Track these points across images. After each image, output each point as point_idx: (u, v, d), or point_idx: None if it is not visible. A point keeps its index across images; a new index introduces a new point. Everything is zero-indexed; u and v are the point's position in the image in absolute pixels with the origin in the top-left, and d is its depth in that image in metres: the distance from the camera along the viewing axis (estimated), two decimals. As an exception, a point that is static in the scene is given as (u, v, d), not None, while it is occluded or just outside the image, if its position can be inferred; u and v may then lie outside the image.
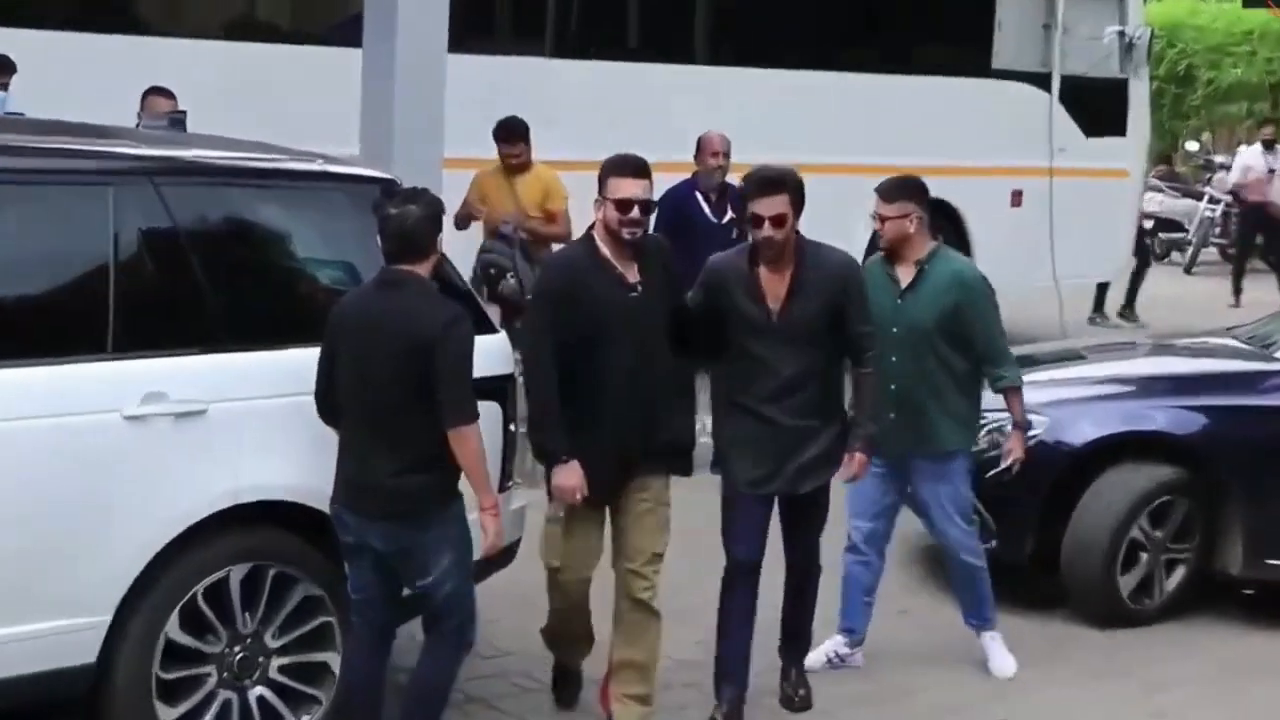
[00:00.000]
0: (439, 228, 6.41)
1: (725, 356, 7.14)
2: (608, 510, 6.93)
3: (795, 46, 15.14)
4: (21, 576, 6.03)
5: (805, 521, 7.28)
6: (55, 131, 7.28)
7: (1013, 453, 8.07)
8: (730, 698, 7.12)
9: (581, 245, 6.91)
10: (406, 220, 6.29)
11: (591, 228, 6.86)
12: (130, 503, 6.20)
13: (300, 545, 6.51)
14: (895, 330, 7.65)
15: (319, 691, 6.64)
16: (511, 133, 11.71)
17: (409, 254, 6.32)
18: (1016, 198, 16.26)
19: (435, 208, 6.39)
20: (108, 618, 6.18)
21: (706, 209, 11.75)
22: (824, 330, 7.00)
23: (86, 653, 6.17)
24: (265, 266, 6.94)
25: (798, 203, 6.99)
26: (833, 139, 14.56)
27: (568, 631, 7.16)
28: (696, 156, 11.90)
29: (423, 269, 6.35)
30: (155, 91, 10.37)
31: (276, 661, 6.55)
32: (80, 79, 10.88)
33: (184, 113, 9.23)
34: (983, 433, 8.55)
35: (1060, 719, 7.83)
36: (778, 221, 6.90)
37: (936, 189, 14.84)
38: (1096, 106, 16.70)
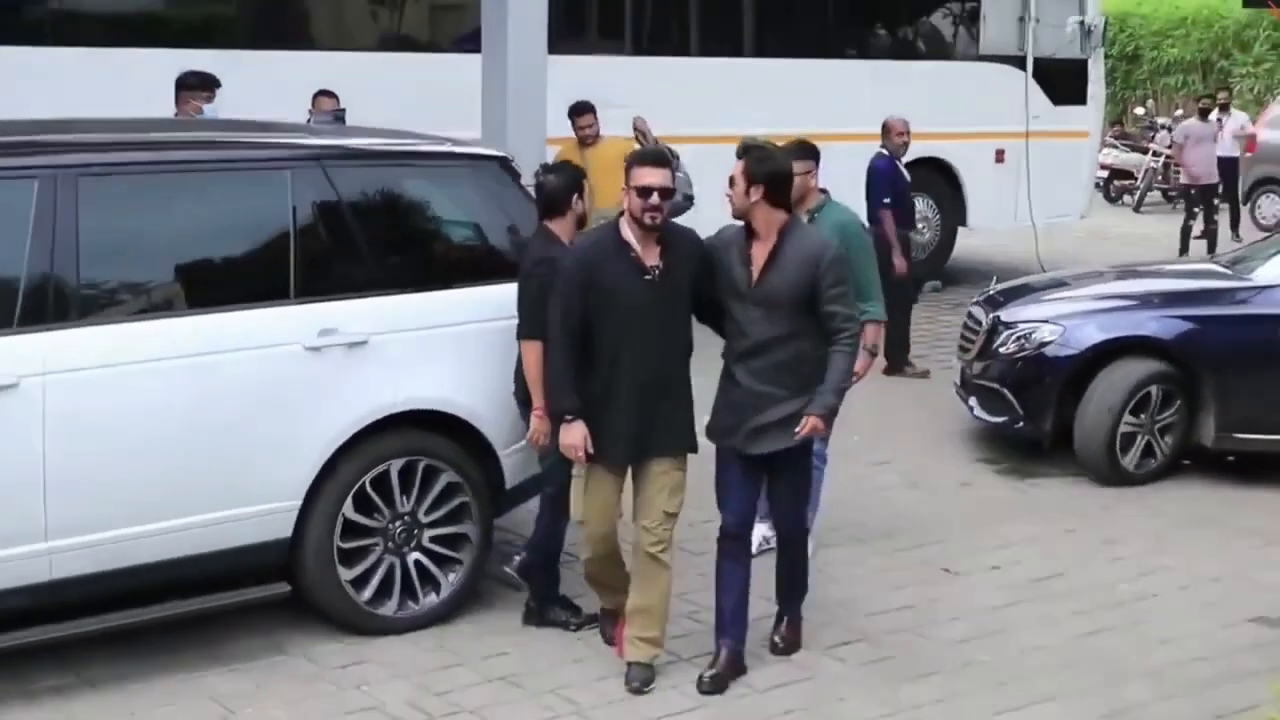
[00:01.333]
0: (573, 192, 6.56)
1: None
2: (630, 472, 6.17)
3: (823, 40, 15.19)
4: (239, 472, 6.15)
5: (780, 485, 6.27)
6: (246, 129, 7.35)
7: (859, 375, 6.98)
8: (726, 648, 6.21)
9: (608, 228, 6.09)
10: (546, 187, 6.55)
11: (621, 215, 6.06)
12: (312, 415, 6.27)
13: (444, 443, 6.53)
14: None
15: (461, 555, 6.69)
16: (582, 108, 11.65)
17: (550, 212, 6.54)
18: (1000, 155, 16.15)
19: (571, 177, 6.64)
20: (299, 502, 6.28)
21: (906, 175, 11.90)
22: (795, 304, 5.97)
23: (284, 529, 6.28)
24: (409, 228, 6.95)
25: (752, 175, 5.97)
26: (854, 114, 14.53)
27: (601, 577, 6.35)
28: (885, 136, 11.84)
29: (560, 224, 6.51)
30: (322, 94, 10.33)
31: (428, 533, 6.60)
32: (263, 87, 10.94)
33: (344, 110, 9.28)
34: (1013, 337, 9.28)
35: (1039, 556, 7.80)
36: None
37: (936, 150, 15.21)
38: (1062, 81, 16.54)
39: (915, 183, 15.41)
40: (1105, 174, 24.68)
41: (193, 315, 6.15)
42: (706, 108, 13.64)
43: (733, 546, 6.21)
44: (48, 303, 5.80)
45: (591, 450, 5.96)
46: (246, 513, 6.17)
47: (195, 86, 9.50)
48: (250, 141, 6.93)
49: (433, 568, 6.65)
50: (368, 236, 6.57)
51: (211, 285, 6.33)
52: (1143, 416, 9.10)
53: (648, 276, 5.95)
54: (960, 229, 16.32)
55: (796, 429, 5.99)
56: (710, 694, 6.06)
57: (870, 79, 15.03)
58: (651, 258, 5.98)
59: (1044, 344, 9.27)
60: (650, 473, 6.05)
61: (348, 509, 6.38)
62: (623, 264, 5.95)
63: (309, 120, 9.33)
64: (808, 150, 7.31)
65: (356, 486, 6.38)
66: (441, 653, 6.42)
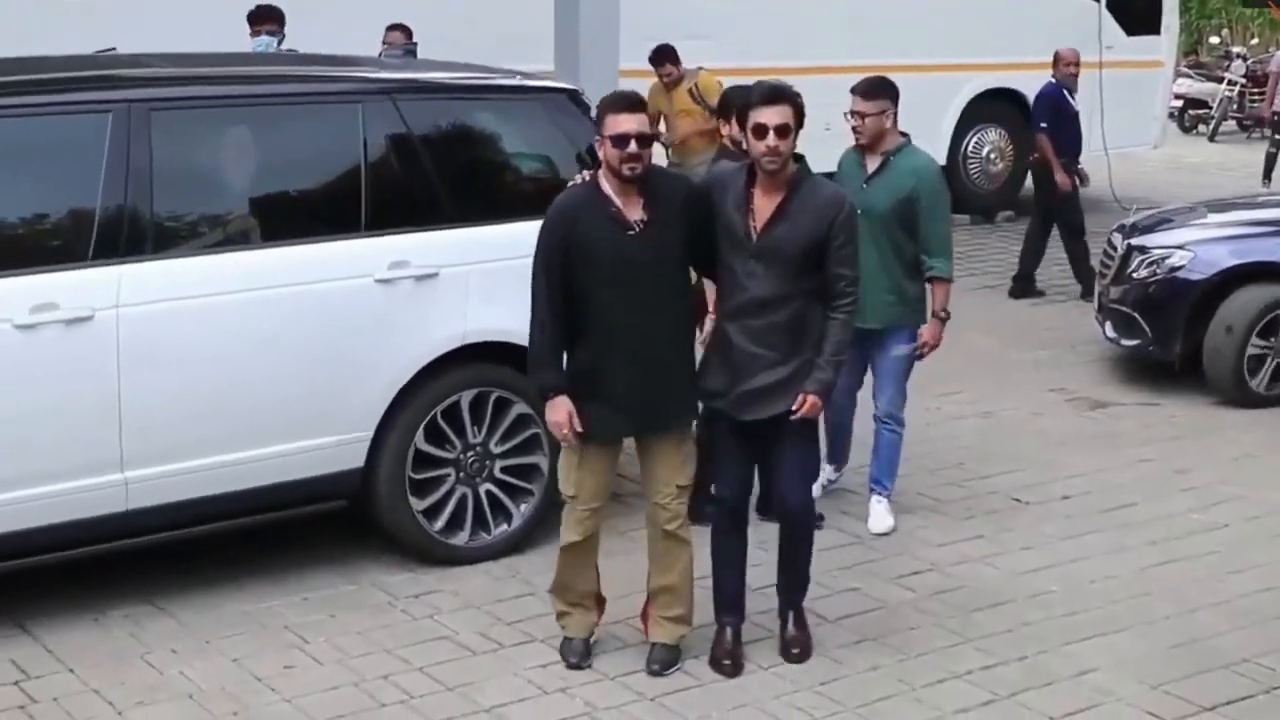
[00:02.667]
0: None
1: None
2: (635, 443, 5.65)
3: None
4: (311, 404, 6.14)
5: (776, 457, 5.59)
6: (316, 63, 7.34)
7: (926, 343, 6.88)
8: (732, 627, 5.74)
9: (586, 185, 5.50)
10: None
11: (599, 168, 5.47)
12: (383, 346, 6.23)
13: (514, 374, 6.42)
14: (860, 212, 5.87)
15: (533, 486, 6.63)
16: (658, 56, 11.51)
17: None
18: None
19: None
20: (371, 433, 6.25)
21: (1073, 102, 11.90)
22: (801, 261, 5.39)
23: (357, 459, 6.25)
24: (479, 161, 6.86)
25: (799, 120, 5.42)
26: (927, 43, 14.33)
27: (573, 582, 5.72)
28: (1055, 66, 11.91)
29: None
30: (394, 27, 10.24)
31: (499, 464, 6.55)
32: (337, 20, 10.87)
33: (415, 44, 9.21)
34: (1145, 263, 9.35)
35: (1110, 486, 7.66)
36: (782, 132, 5.33)
37: (1008, 81, 14.90)
38: (1136, 11, 16.21)
39: (987, 114, 15.27)
40: (1180, 104, 24.23)
41: (264, 249, 6.13)
42: (775, 38, 13.46)
43: (730, 520, 5.70)
44: (121, 236, 5.78)
45: (580, 427, 5.40)
46: (319, 444, 6.15)
47: (263, 19, 9.45)
48: (321, 75, 6.93)
49: (504, 498, 6.61)
50: (437, 170, 6.49)
51: (283, 219, 6.30)
52: (1272, 340, 9.13)
53: (631, 232, 5.35)
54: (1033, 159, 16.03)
55: (793, 408, 5.43)
56: (733, 676, 5.62)
57: (939, 9, 14.69)
58: (635, 211, 5.37)
59: (1175, 269, 9.32)
60: (656, 447, 5.54)
61: (420, 440, 6.33)
62: (603, 220, 5.36)
63: (381, 54, 9.23)
64: (883, 87, 6.85)
65: (429, 418, 6.34)
66: (514, 582, 6.39)
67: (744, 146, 5.65)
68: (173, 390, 5.84)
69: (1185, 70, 25.25)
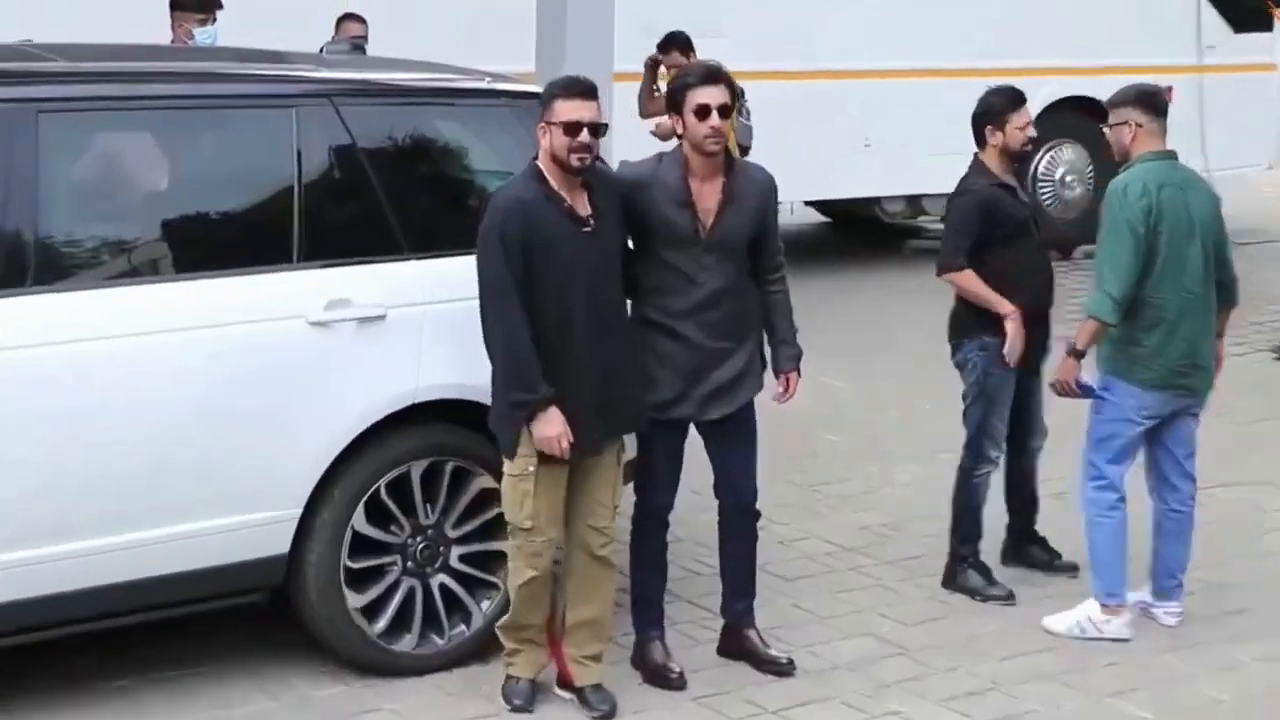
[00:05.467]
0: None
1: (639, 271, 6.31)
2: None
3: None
4: (219, 473, 6.07)
5: (731, 449, 6.42)
6: (242, 59, 7.32)
7: (1063, 383, 6.98)
8: (657, 636, 6.48)
9: (526, 179, 5.95)
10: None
11: (535, 159, 5.98)
12: (316, 404, 6.19)
13: (476, 440, 6.38)
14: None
15: (497, 578, 6.53)
16: (666, 43, 11.43)
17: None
18: (1167, 93, 15.71)
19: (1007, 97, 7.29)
20: (298, 511, 6.19)
21: None
22: (747, 245, 6.25)
23: (279, 544, 6.19)
24: (439, 179, 6.87)
25: (735, 101, 6.38)
26: (984, 42, 14.28)
27: (528, 618, 6.14)
28: None
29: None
30: (349, 17, 10.33)
31: (457, 550, 6.50)
32: (281, 8, 10.85)
33: (365, 39, 9.19)
34: None
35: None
36: (724, 111, 6.08)
37: (1087, 88, 14.81)
38: (1243, 3, 16.17)
39: (1063, 127, 15.14)
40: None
41: (171, 282, 6.10)
42: (796, 37, 13.44)
43: (653, 528, 6.43)
44: (-8, 265, 5.76)
45: (573, 440, 5.88)
46: (233, 524, 6.08)
47: (189, 7, 9.39)
48: (247, 74, 6.91)
49: (462, 593, 6.55)
50: (388, 189, 6.47)
51: (196, 246, 6.30)
52: None
53: (586, 229, 5.93)
54: (1119, 182, 15.99)
55: (782, 391, 6.42)
56: (683, 687, 6.34)
57: (1013, 5, 14.74)
58: (583, 207, 5.95)
59: None
60: (597, 464, 6.08)
61: (358, 520, 6.29)
62: (559, 217, 5.89)
63: (323, 49, 9.19)
64: (1124, 96, 7.21)
65: (369, 493, 6.30)
66: (473, 700, 6.30)
67: (679, 132, 6.23)
68: (49, 456, 5.76)
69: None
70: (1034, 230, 7.48)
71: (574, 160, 5.83)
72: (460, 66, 7.30)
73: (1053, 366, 7.12)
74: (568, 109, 5.82)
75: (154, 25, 9.49)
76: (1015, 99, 7.31)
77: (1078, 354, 6.94)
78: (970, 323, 7.34)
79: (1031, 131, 7.38)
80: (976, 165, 7.38)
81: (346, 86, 6.65)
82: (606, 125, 6.01)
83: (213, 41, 9.60)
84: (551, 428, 5.82)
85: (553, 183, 5.89)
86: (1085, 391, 6.98)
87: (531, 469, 5.91)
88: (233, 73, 6.93)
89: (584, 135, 5.80)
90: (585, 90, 5.92)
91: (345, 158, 6.40)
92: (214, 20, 9.77)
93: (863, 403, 10.45)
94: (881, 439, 9.68)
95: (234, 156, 6.40)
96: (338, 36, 9.87)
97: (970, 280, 7.23)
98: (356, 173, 6.42)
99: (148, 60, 7.24)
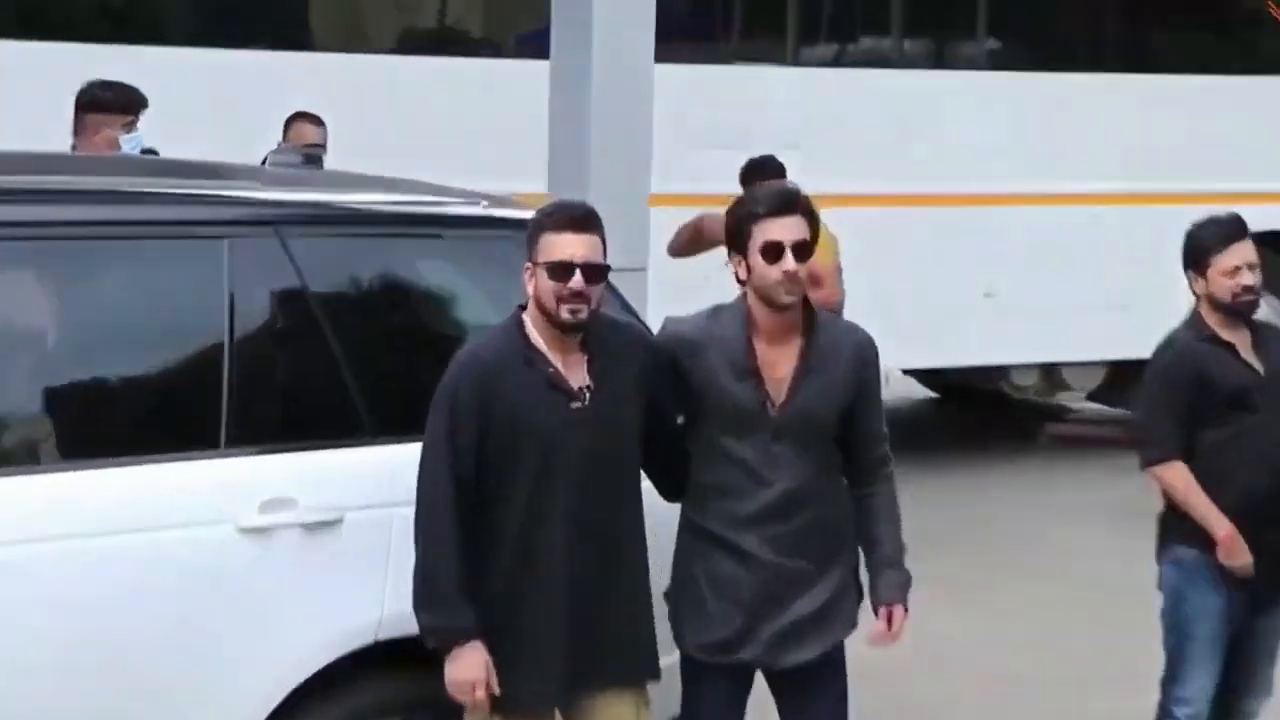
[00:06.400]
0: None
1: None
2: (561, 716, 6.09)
3: (1083, 46, 15.25)
4: (115, 732, 6.00)
5: (812, 710, 6.21)
6: (162, 172, 7.33)
7: None
8: None
9: (504, 332, 5.95)
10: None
11: (522, 309, 5.98)
12: (246, 640, 6.11)
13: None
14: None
15: None
16: (762, 174, 11.20)
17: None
18: None
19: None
20: (222, 788, 6.13)
21: None
22: (831, 429, 6.09)
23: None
24: (416, 336, 6.88)
25: (816, 236, 6.09)
26: (1138, 160, 14.16)
27: None
28: None
29: None
30: (301, 117, 10.42)
31: None
32: (219, 108, 10.97)
33: (322, 146, 9.21)
34: None
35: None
36: (801, 251, 5.93)
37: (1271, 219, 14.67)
38: None
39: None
40: None
41: (50, 473, 6.01)
42: (893, 154, 13.50)
43: None
44: None
45: (496, 689, 5.75)
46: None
47: (111, 108, 9.38)
48: (165, 193, 6.80)
49: None
50: (347, 349, 6.43)
51: (93, 424, 6.25)
52: None
53: (576, 403, 5.84)
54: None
55: (884, 629, 6.13)
56: None
57: (1163, 102, 14.73)
58: (577, 374, 5.88)
59: None
60: (603, 718, 5.96)
61: (306, 799, 6.20)
62: (535, 384, 5.83)
63: (266, 160, 9.17)
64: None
65: (320, 762, 6.22)
66: None
67: (741, 279, 6.13)
68: None
69: None
70: (1258, 404, 7.18)
71: (564, 312, 5.77)
72: (449, 186, 7.28)
73: None
74: (556, 245, 5.77)
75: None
76: (1225, 234, 7.08)
77: None
78: (1172, 526, 7.14)
79: (1248, 278, 7.13)
80: (1192, 316, 7.24)
81: (296, 211, 6.61)
82: (608, 267, 5.96)
83: (137, 148, 9.58)
84: (465, 670, 5.72)
85: (536, 339, 5.85)
86: None
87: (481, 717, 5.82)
88: (145, 191, 6.81)
89: (576, 280, 5.74)
90: (579, 220, 5.87)
91: (292, 306, 6.42)
92: (137, 123, 9.77)
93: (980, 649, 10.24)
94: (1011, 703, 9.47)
95: (144, 303, 6.33)
96: (286, 143, 9.95)
97: (1178, 477, 7.07)
98: (307, 326, 6.41)
99: (32, 174, 7.09)
